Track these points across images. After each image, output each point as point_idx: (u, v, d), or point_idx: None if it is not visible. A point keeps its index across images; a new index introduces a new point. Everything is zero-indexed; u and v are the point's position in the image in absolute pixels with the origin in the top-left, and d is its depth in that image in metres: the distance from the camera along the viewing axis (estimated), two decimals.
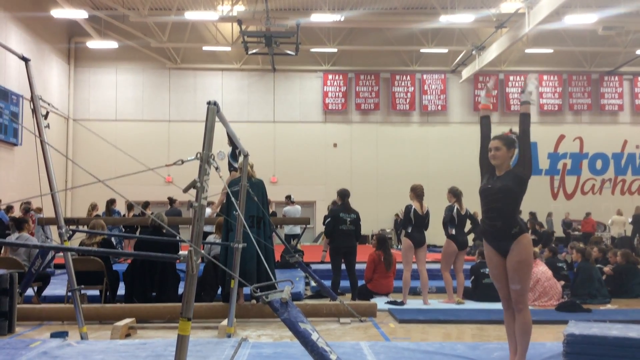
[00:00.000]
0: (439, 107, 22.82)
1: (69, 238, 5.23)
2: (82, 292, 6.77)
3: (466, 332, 6.40)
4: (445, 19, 18.15)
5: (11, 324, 6.03)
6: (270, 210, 11.38)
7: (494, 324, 6.66)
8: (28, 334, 6.07)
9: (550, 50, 21.96)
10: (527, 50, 22.01)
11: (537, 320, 6.85)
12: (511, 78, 22.99)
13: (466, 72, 22.21)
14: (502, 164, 4.36)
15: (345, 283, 8.43)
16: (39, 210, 12.98)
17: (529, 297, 8.18)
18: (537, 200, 22.15)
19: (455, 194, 8.28)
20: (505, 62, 22.54)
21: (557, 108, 23.05)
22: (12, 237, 8.09)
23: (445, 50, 21.87)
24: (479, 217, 17.22)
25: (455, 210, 8.12)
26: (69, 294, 5.62)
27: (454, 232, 8.08)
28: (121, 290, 7.57)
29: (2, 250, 8.87)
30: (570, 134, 23.16)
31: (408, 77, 22.76)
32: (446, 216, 8.18)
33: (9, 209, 13.11)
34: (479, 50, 20.47)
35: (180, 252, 4.26)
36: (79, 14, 18.27)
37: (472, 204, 10.41)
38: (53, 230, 12.94)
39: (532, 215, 21.09)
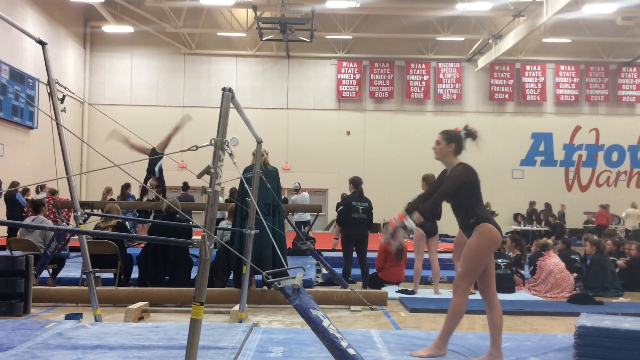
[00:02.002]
0: (454, 96, 22.67)
1: (84, 221, 5.29)
2: (97, 275, 6.85)
3: (477, 322, 6.40)
4: (462, 7, 17.97)
5: (26, 305, 6.12)
6: (282, 197, 11.42)
7: (505, 315, 6.62)
8: (43, 315, 6.16)
9: (567, 40, 21.69)
10: (545, 40, 21.75)
11: (548, 312, 6.86)
12: (528, 68, 22.75)
13: (482, 61, 22.00)
14: (443, 158, 4.52)
15: (356, 271, 8.45)
16: (54, 192, 13.10)
17: (539, 289, 8.20)
18: (552, 191, 22.05)
19: None
20: (522, 51, 22.29)
21: (573, 99, 22.80)
22: (29, 219, 8.19)
23: (461, 39, 21.69)
24: (491, 207, 17.05)
25: None
26: (84, 276, 5.68)
27: None
28: (135, 274, 7.65)
29: (18, 232, 8.99)
30: (586, 125, 22.92)
31: (423, 66, 22.60)
32: None
33: (25, 191, 13.25)
34: (496, 39, 20.26)
35: (193, 237, 4.30)
36: None
37: (484, 194, 10.38)
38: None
39: (547, 206, 20.99)
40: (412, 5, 19.50)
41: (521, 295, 8.14)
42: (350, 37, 21.71)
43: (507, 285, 8.25)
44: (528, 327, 6.14)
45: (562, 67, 22.78)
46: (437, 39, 21.69)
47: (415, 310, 6.79)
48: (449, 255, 9.12)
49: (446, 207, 8.06)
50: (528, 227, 19.00)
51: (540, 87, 22.74)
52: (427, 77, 22.59)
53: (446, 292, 8.01)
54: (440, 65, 22.66)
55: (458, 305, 4.23)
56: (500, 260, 8.39)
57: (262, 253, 6.34)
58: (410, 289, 7.94)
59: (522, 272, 9.04)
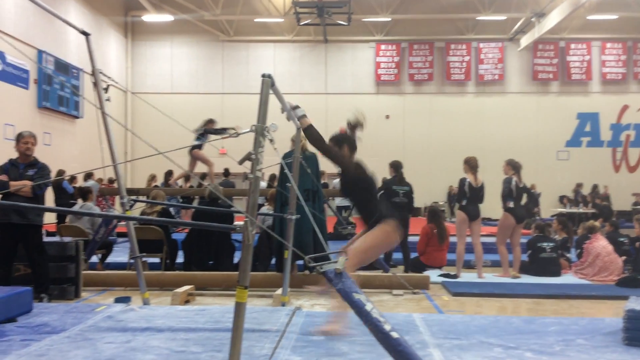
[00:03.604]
0: (496, 77, 22.20)
1: (130, 207, 5.42)
2: (143, 259, 7.02)
3: (522, 306, 6.32)
4: None
5: (77, 289, 6.33)
6: (323, 182, 11.44)
7: (551, 299, 6.55)
8: (93, 298, 6.36)
9: (614, 17, 20.88)
10: (590, 17, 20.99)
11: (596, 295, 6.72)
12: (572, 46, 22.07)
13: (525, 40, 21.44)
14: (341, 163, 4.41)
15: (397, 255, 8.43)
16: (100, 181, 13.46)
17: (586, 272, 8.02)
18: (598, 172, 21.44)
19: (514, 166, 8.07)
20: (567, 29, 21.60)
21: (620, 77, 22.03)
22: (77, 206, 8.45)
23: (503, 18, 21.14)
24: (536, 189, 16.73)
25: (513, 182, 7.93)
26: (131, 261, 5.84)
27: (511, 205, 7.90)
28: (180, 258, 7.82)
29: (66, 219, 9.27)
30: (634, 104, 22.12)
31: (464, 46, 22.18)
32: (504, 189, 7.98)
33: (72, 179, 13.64)
34: (539, 17, 19.69)
35: (236, 223, 4.34)
36: None
37: (528, 177, 10.18)
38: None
39: (594, 188, 20.44)
40: None
41: (568, 278, 7.99)
42: (389, 20, 21.45)
43: (553, 269, 8.11)
44: (575, 311, 6.03)
45: (608, 45, 22.01)
46: (477, 18, 21.21)
47: (458, 294, 6.74)
48: (492, 239, 9.00)
49: (488, 191, 7.99)
50: (574, 210, 18.56)
51: (586, 66, 22.04)
52: (468, 57, 22.17)
53: (490, 276, 7.94)
54: (481, 45, 22.19)
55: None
56: (545, 244, 8.24)
57: (303, 238, 6.39)
58: (452, 273, 7.88)
59: (568, 255, 8.86)
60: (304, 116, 4.30)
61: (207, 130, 10.19)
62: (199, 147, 10.24)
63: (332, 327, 4.15)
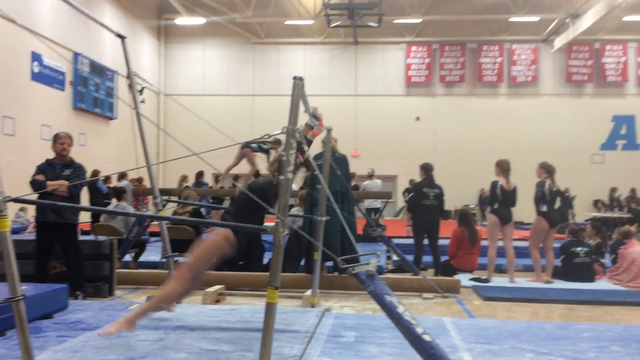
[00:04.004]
0: (529, 79, 21.89)
1: (163, 207, 5.50)
2: (175, 259, 7.12)
3: (554, 312, 6.22)
4: None
5: (111, 287, 6.45)
6: (353, 184, 11.42)
7: (584, 305, 6.43)
8: (126, 297, 6.48)
9: None
10: (625, 18, 20.53)
11: (631, 302, 6.57)
12: (608, 47, 21.63)
13: (559, 42, 21.09)
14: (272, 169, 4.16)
15: (427, 258, 8.38)
16: (134, 181, 13.69)
17: (621, 278, 7.84)
18: (634, 176, 20.90)
19: (547, 169, 7.94)
20: (602, 30, 21.17)
21: None
22: (111, 206, 8.61)
23: (536, 19, 20.83)
24: (570, 193, 16.40)
25: (547, 186, 7.80)
26: (164, 260, 5.92)
27: (545, 209, 7.77)
28: None
29: (101, 218, 9.45)
30: None
31: (496, 47, 21.93)
32: (537, 192, 7.86)
33: (107, 179, 13.89)
34: (573, 18, 19.34)
35: (266, 224, 4.34)
36: None
37: (562, 180, 10.00)
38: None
39: (632, 192, 19.96)
40: None
41: (602, 284, 7.82)
42: (420, 21, 21.33)
43: (587, 274, 7.95)
44: (609, 317, 5.90)
45: None
46: (510, 19, 20.94)
47: (489, 298, 6.66)
48: (524, 243, 8.87)
49: (521, 195, 7.88)
50: (609, 214, 18.17)
51: (622, 68, 21.57)
52: (501, 59, 21.91)
53: (522, 281, 7.83)
54: (514, 46, 21.92)
55: (173, 291, 3.88)
56: (579, 249, 8.09)
57: (330, 240, 6.39)
58: (483, 277, 7.79)
59: (602, 260, 8.68)
60: (310, 127, 4.12)
61: (265, 148, 10.12)
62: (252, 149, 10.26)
63: (123, 326, 3.80)
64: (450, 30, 21.90)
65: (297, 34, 22.34)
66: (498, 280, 7.77)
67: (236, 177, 12.47)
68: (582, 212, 19.46)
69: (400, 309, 2.65)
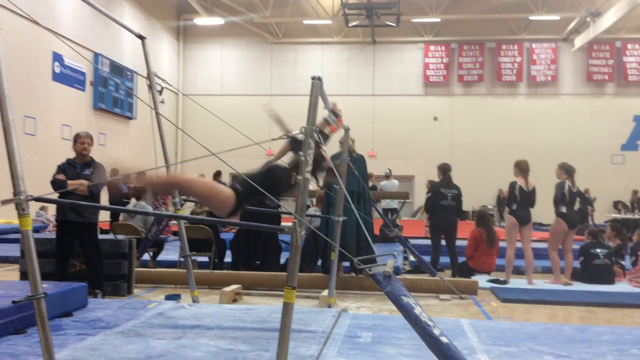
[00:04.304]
0: (549, 78, 21.68)
1: (181, 207, 5.55)
2: (193, 258, 7.17)
3: (573, 314, 6.15)
4: None
5: (130, 286, 6.51)
6: (370, 184, 11.41)
7: (604, 307, 6.36)
8: (145, 295, 6.53)
9: None
10: None
11: None
12: (629, 46, 21.35)
13: (579, 41, 20.86)
14: None
15: (445, 259, 8.34)
16: None
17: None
18: None
19: (567, 170, 7.85)
20: (623, 29, 20.91)
21: None
22: (130, 205, 8.69)
23: (556, 17, 20.63)
24: (590, 193, 16.18)
25: (566, 187, 7.71)
26: (181, 259, 5.97)
27: (564, 210, 7.69)
28: (228, 258, 7.94)
29: (120, 217, 9.55)
30: None
31: (515, 47, 21.76)
32: (557, 193, 7.77)
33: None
34: (594, 17, 19.13)
35: (284, 224, 4.37)
36: None
37: (582, 181, 9.90)
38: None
39: None
40: None
41: (621, 287, 7.72)
42: (438, 20, 21.22)
43: (607, 277, 7.85)
44: (629, 320, 5.83)
45: None
46: (530, 18, 20.76)
47: (507, 300, 6.61)
48: (543, 245, 8.79)
49: (540, 196, 7.81)
50: (629, 216, 17.91)
51: None
52: (520, 58, 21.73)
53: (540, 283, 7.76)
54: (533, 45, 21.73)
55: (157, 179, 3.79)
56: (599, 250, 7.99)
57: (346, 240, 6.39)
58: (502, 279, 7.73)
59: (622, 262, 8.57)
60: (328, 122, 4.05)
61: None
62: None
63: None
64: (469, 30, 21.77)
65: (314, 34, 22.36)
66: (516, 282, 7.70)
67: None
68: (602, 214, 19.22)
69: (417, 310, 2.64)
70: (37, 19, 12.62)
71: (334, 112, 4.04)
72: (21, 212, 2.76)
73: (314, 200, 8.71)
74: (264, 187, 3.58)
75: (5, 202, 2.80)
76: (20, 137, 2.91)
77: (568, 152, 18.47)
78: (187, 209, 6.97)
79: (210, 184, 3.83)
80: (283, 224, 7.61)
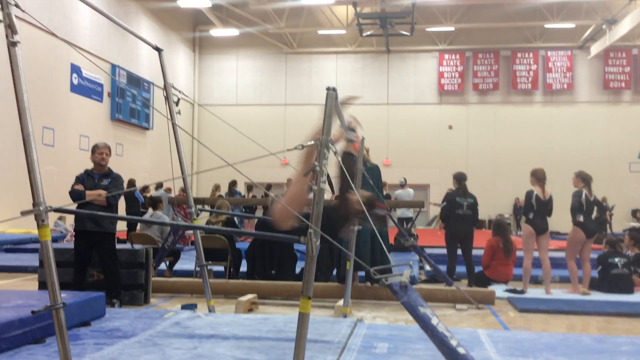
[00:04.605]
0: (565, 86, 21.54)
1: (197, 217, 5.58)
2: (209, 267, 7.19)
3: (592, 324, 6.07)
4: None
5: (147, 295, 6.55)
6: (385, 193, 11.39)
7: (623, 317, 6.27)
8: (161, 305, 6.57)
9: None
10: None
11: None
12: None
13: (595, 48, 20.72)
14: None
15: (461, 269, 8.28)
16: (169, 190, 13.90)
17: None
18: None
19: (584, 178, 7.78)
20: None
21: None
22: (147, 215, 8.76)
23: (572, 25, 20.53)
24: (608, 202, 15.99)
25: (583, 196, 7.64)
26: (198, 268, 6.00)
27: (581, 219, 7.61)
28: (243, 267, 7.96)
29: (137, 227, 9.63)
30: None
31: (530, 55, 21.67)
32: (574, 202, 7.69)
33: (145, 188, 14.15)
34: (610, 24, 19.00)
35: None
36: (203, 3, 19.18)
37: (599, 190, 9.80)
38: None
39: None
40: None
41: None
42: (453, 29, 21.22)
43: (625, 286, 7.75)
44: None
45: None
46: (545, 26, 20.68)
47: (525, 310, 6.55)
48: (560, 254, 8.70)
49: (557, 205, 7.74)
50: None
51: None
52: (535, 66, 21.63)
53: (558, 292, 7.68)
54: (549, 53, 21.62)
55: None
56: (617, 260, 7.89)
57: (360, 249, 6.38)
58: (519, 289, 7.66)
59: None
60: (351, 141, 4.13)
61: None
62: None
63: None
64: (484, 38, 21.74)
65: (329, 44, 22.46)
66: (533, 292, 7.63)
67: (269, 187, 12.55)
68: (620, 222, 19.00)
69: (434, 321, 2.63)
70: (55, 32, 12.82)
71: (351, 129, 4.05)
72: (40, 223, 2.80)
73: None
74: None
75: (24, 213, 2.84)
76: (39, 148, 2.96)
77: (585, 160, 18.32)
78: (202, 219, 7.01)
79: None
80: None
